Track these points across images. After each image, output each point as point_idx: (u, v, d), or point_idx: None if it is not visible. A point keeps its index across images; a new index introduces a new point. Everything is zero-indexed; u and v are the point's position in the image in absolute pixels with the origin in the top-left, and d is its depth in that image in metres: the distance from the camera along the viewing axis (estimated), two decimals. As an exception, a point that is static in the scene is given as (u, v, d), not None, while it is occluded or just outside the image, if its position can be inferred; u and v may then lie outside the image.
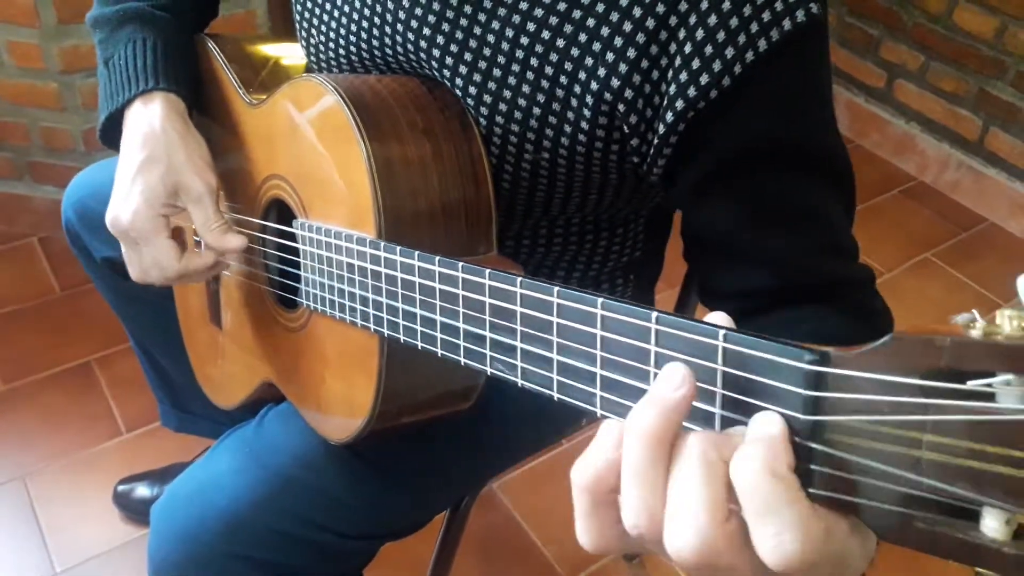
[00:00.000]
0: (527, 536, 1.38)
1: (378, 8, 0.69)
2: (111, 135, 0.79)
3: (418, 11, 0.66)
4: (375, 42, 0.71)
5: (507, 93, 0.64)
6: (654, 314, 0.38)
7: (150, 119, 0.75)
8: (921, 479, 0.28)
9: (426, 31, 0.66)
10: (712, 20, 0.56)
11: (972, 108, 2.10)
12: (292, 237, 0.71)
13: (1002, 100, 2.03)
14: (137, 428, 1.50)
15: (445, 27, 0.65)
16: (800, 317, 0.62)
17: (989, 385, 0.27)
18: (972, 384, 0.27)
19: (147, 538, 0.80)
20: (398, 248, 0.56)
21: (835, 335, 0.56)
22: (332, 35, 0.74)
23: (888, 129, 2.28)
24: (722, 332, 0.35)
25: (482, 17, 0.63)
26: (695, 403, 0.36)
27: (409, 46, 0.68)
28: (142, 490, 1.36)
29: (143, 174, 0.72)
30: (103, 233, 0.78)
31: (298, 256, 0.71)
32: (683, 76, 0.57)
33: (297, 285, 0.73)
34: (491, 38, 0.63)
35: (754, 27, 0.56)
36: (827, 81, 0.62)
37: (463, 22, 0.64)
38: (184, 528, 0.76)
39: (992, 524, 0.27)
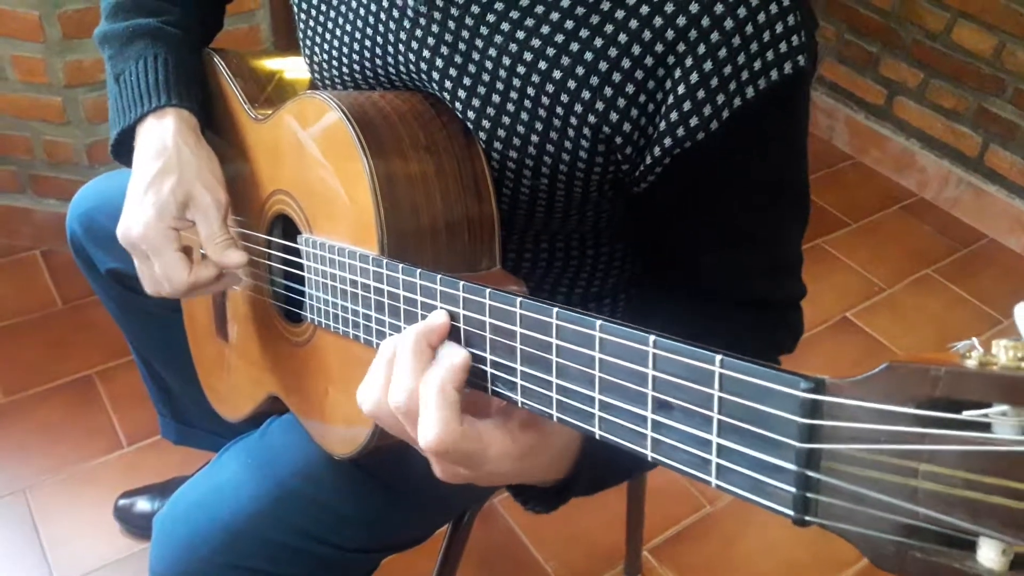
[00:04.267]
0: (528, 551, 1.38)
1: (380, 28, 0.69)
2: (122, 150, 0.80)
3: (418, 32, 0.67)
4: (378, 61, 0.71)
5: (505, 120, 0.64)
6: (652, 338, 0.38)
7: (162, 135, 0.75)
8: (918, 509, 0.28)
9: (426, 53, 0.66)
10: (707, 65, 0.57)
11: (972, 125, 2.11)
12: (297, 252, 0.72)
13: (1002, 117, 2.04)
14: (138, 441, 1.50)
15: (444, 50, 0.65)
16: (721, 317, 0.67)
17: (985, 415, 0.27)
18: (968, 414, 0.27)
19: (148, 552, 0.80)
20: (400, 266, 0.56)
21: (745, 337, 0.65)
22: (335, 54, 0.75)
23: (888, 146, 2.29)
24: (719, 358, 0.35)
25: (479, 43, 0.64)
26: (692, 429, 0.36)
27: (411, 66, 0.68)
28: (143, 504, 1.35)
29: (155, 187, 0.73)
30: (108, 245, 0.78)
31: (303, 271, 0.72)
32: (673, 115, 0.59)
33: (302, 299, 0.73)
34: (488, 64, 0.64)
35: (745, 75, 0.58)
36: (806, 124, 0.66)
37: (461, 47, 0.64)
38: (185, 539, 0.76)
39: (989, 555, 0.27)
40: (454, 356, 0.49)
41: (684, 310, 0.67)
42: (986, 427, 0.27)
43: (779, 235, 0.68)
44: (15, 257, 1.84)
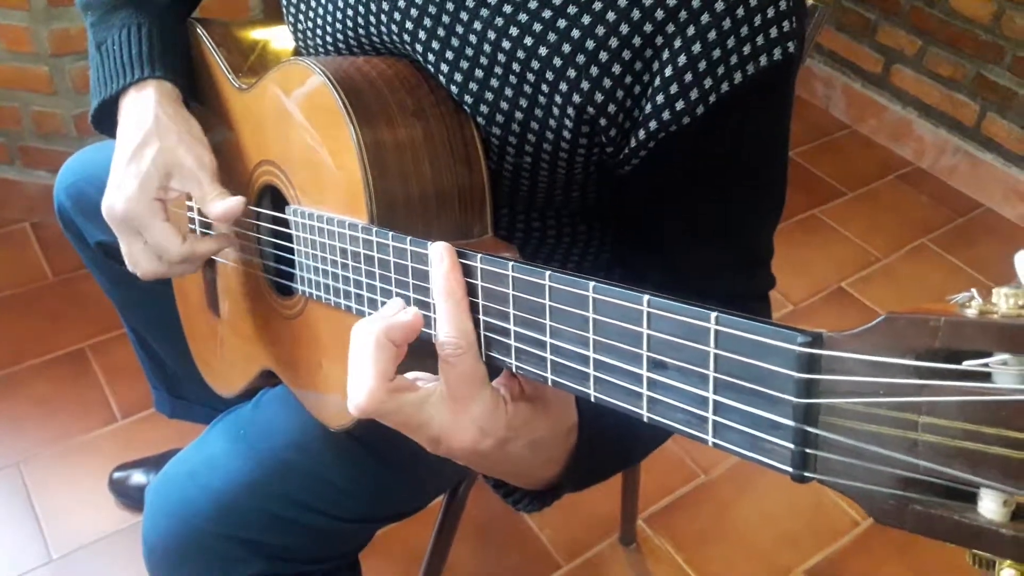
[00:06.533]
0: (523, 521, 1.39)
1: None
2: (103, 120, 0.78)
3: (401, 3, 0.65)
4: (361, 31, 0.70)
5: (488, 95, 0.63)
6: (646, 297, 0.38)
7: (142, 107, 0.74)
8: (918, 461, 0.28)
9: (408, 24, 0.65)
10: (696, 48, 0.56)
11: (969, 93, 2.09)
12: (286, 223, 0.71)
13: (999, 85, 2.03)
14: (132, 415, 1.50)
15: (427, 23, 0.64)
16: None
17: (985, 365, 0.26)
18: (968, 364, 0.27)
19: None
20: (390, 233, 0.55)
21: None
22: (319, 21, 0.74)
23: (885, 114, 2.27)
24: (714, 315, 0.35)
25: (464, 16, 0.62)
26: (688, 387, 0.36)
27: (394, 36, 0.67)
28: (138, 477, 1.35)
29: (135, 160, 0.72)
30: (96, 217, 0.77)
31: (292, 243, 0.71)
32: (660, 98, 0.58)
33: (292, 271, 0.72)
34: (473, 39, 0.62)
35: (734, 59, 0.57)
36: (790, 112, 0.65)
37: (445, 19, 0.63)
38: (178, 509, 0.76)
39: (990, 506, 0.27)
40: (405, 314, 0.49)
41: None
42: (986, 377, 0.26)
43: (754, 227, 0.67)
44: (5, 230, 1.82)
